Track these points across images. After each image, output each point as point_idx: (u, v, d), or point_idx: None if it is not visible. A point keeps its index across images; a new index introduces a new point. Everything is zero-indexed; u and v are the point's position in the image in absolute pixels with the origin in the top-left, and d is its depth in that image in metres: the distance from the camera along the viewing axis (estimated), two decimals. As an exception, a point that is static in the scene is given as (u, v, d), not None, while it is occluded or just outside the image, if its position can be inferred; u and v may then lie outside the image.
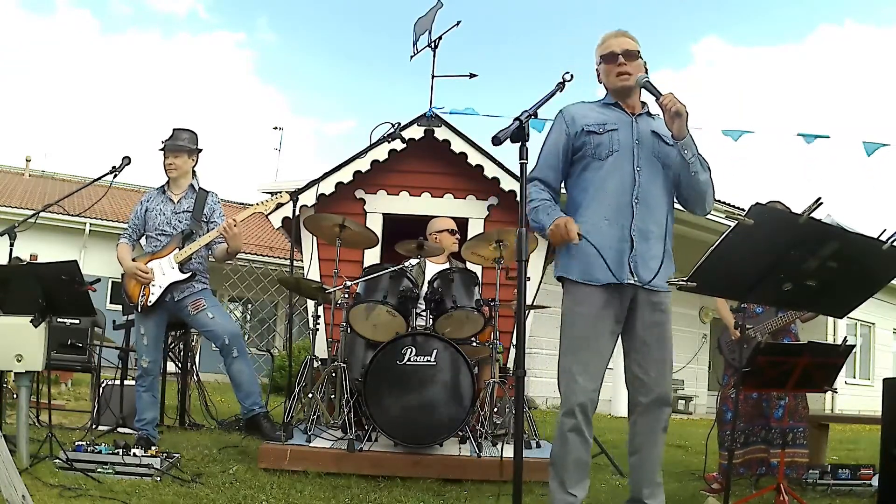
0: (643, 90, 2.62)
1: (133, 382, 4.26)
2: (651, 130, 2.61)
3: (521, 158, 2.20)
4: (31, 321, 3.25)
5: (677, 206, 2.74)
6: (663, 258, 2.55)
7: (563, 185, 2.72)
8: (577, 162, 2.64)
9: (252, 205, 4.05)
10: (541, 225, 2.55)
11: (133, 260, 3.98)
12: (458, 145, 5.65)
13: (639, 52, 2.64)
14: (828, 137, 5.34)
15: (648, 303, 2.57)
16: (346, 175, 5.61)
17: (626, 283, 2.53)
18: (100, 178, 4.02)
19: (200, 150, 4.19)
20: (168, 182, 4.14)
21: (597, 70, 2.73)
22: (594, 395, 2.55)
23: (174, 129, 4.12)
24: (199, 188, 4.12)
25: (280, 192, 4.19)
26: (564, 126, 2.65)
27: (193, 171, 4.16)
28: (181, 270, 3.91)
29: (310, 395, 4.06)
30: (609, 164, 2.57)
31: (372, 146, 5.41)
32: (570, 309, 2.61)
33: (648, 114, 2.70)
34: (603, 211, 2.55)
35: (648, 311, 2.57)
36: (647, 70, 2.66)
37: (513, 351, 4.38)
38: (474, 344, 4.24)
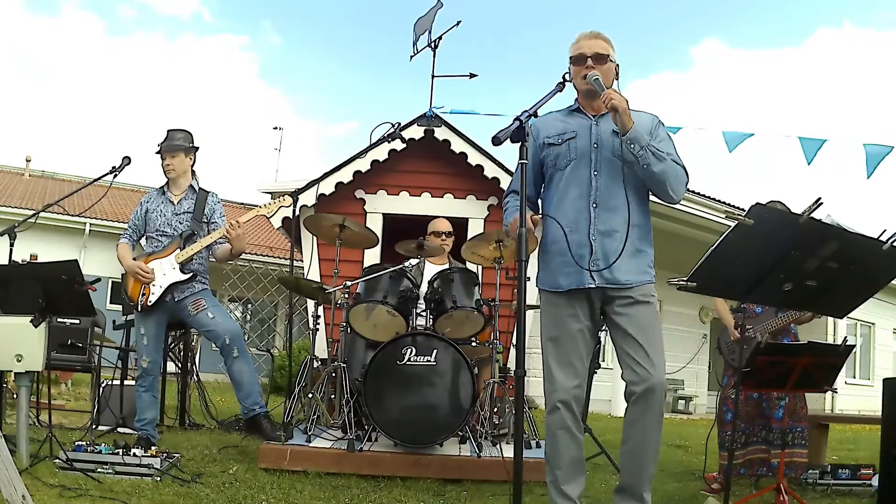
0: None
1: (133, 382, 4.26)
2: (612, 130, 2.59)
3: (521, 158, 2.20)
4: (31, 321, 3.25)
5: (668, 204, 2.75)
6: (622, 253, 2.53)
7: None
8: (546, 174, 2.70)
9: (255, 206, 4.06)
10: (505, 224, 2.71)
11: (133, 259, 3.98)
12: (458, 145, 5.65)
13: (609, 55, 2.63)
14: (826, 140, 5.31)
15: (624, 299, 2.57)
16: (346, 175, 5.61)
17: (593, 288, 2.55)
18: (100, 178, 4.02)
19: (197, 149, 4.19)
20: (167, 183, 4.14)
21: (569, 70, 2.72)
22: (577, 392, 2.56)
23: (168, 131, 4.12)
24: (200, 188, 4.12)
25: (283, 195, 4.19)
26: (532, 140, 2.69)
27: (193, 171, 4.16)
28: (182, 271, 3.91)
29: (310, 395, 4.06)
30: (568, 173, 2.62)
31: (372, 146, 5.41)
32: (543, 314, 2.68)
33: None
34: (563, 219, 2.57)
35: (622, 307, 2.58)
36: (618, 73, 2.68)
37: (513, 351, 4.38)
38: (474, 344, 4.24)
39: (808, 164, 5.20)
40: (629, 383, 2.58)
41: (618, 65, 2.68)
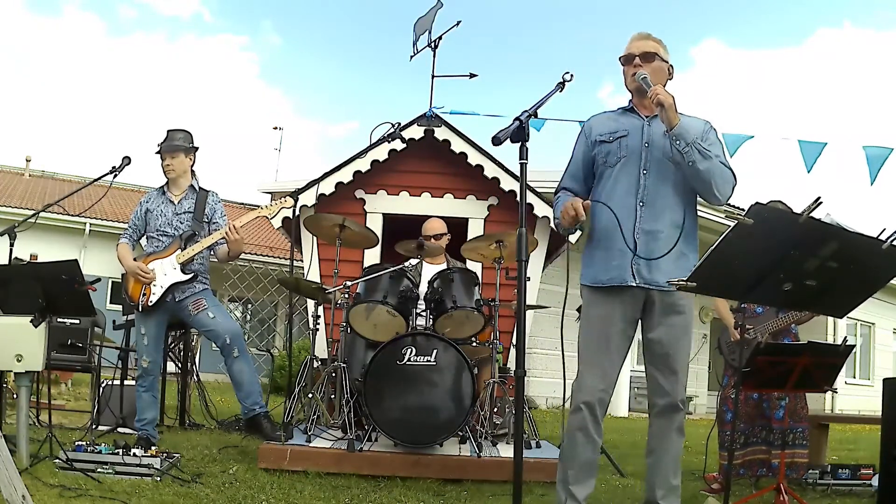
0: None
1: (133, 382, 4.26)
2: (664, 131, 2.59)
3: (521, 158, 2.20)
4: (31, 321, 3.25)
5: None
6: (675, 258, 2.54)
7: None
8: (596, 172, 2.72)
9: (256, 206, 4.06)
10: (555, 216, 2.67)
11: (134, 260, 3.98)
12: (458, 145, 5.64)
13: (657, 53, 2.65)
14: (825, 144, 5.31)
15: (662, 304, 2.59)
16: (346, 175, 5.61)
17: (633, 286, 2.55)
18: (100, 178, 4.02)
19: (196, 148, 4.19)
20: (167, 183, 4.14)
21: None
22: (603, 395, 2.58)
23: (168, 131, 4.12)
24: (200, 188, 4.12)
25: (284, 197, 4.18)
26: (584, 138, 2.76)
27: (193, 171, 4.16)
28: (183, 271, 3.91)
29: (310, 395, 4.06)
30: (617, 170, 2.63)
31: (372, 146, 5.41)
32: (583, 312, 2.68)
33: None
34: (610, 215, 2.59)
35: (662, 313, 2.60)
36: (671, 73, 2.71)
37: (513, 351, 4.38)
38: (474, 344, 4.24)
39: (808, 171, 5.21)
40: (654, 394, 2.64)
41: (671, 65, 2.70)
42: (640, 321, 2.65)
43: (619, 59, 2.69)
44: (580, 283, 2.71)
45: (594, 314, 2.62)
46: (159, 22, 41.22)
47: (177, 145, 4.08)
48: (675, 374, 2.60)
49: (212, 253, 4.09)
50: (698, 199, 2.70)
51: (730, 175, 2.60)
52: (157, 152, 4.10)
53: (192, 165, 4.15)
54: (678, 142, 2.50)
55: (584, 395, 2.55)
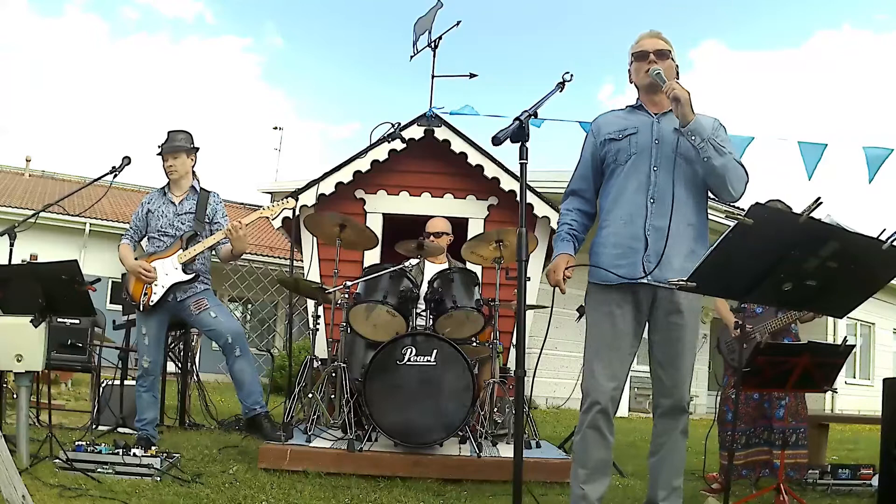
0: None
1: (133, 382, 4.27)
2: (674, 128, 2.58)
3: (521, 158, 2.20)
4: (31, 321, 3.25)
5: None
6: (686, 255, 2.53)
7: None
8: (605, 171, 2.71)
9: (257, 206, 4.06)
10: (558, 226, 2.76)
11: (135, 259, 3.98)
12: (458, 145, 5.64)
13: (670, 52, 2.67)
14: (826, 146, 5.31)
15: (668, 301, 2.57)
16: (346, 175, 5.61)
17: (641, 283, 2.54)
18: (100, 178, 4.02)
19: (197, 149, 4.19)
20: (169, 184, 4.14)
21: (629, 70, 2.75)
22: (615, 394, 2.56)
23: (169, 132, 4.12)
24: (201, 189, 4.13)
25: (286, 198, 4.19)
26: (592, 137, 2.75)
27: (194, 172, 4.17)
28: (185, 271, 3.92)
29: (310, 395, 4.06)
30: (628, 167, 2.62)
31: (372, 146, 5.42)
32: (591, 310, 2.67)
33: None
34: (621, 212, 2.59)
35: (667, 311, 2.59)
36: (678, 72, 2.71)
37: (513, 351, 4.38)
38: (474, 344, 4.24)
39: (809, 178, 5.20)
40: (659, 394, 2.65)
41: (678, 65, 2.71)
42: (647, 320, 2.64)
43: (632, 54, 2.69)
44: (588, 281, 2.70)
45: (604, 311, 2.60)
46: (162, 23, 41.26)
47: (178, 146, 4.08)
48: (677, 375, 2.60)
49: (213, 252, 4.09)
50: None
51: (743, 172, 2.59)
52: (159, 153, 4.10)
53: (193, 166, 4.16)
54: (693, 137, 2.49)
55: (595, 395, 2.53)
